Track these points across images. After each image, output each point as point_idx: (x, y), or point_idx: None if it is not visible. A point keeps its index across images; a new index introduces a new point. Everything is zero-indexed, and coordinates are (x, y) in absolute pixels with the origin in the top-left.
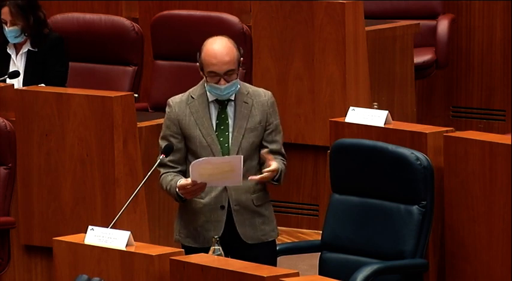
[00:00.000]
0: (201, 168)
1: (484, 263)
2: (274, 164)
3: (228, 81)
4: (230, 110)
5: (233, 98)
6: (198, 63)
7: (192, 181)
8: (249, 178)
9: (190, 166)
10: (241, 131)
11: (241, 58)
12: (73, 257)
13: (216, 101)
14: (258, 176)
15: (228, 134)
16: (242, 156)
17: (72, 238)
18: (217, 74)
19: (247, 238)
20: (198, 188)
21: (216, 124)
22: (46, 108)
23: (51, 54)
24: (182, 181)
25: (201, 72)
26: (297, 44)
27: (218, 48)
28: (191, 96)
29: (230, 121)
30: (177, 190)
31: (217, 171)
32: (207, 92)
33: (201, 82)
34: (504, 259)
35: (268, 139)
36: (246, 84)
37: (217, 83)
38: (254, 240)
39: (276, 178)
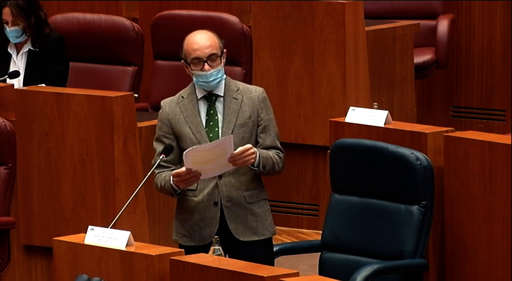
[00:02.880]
0: (195, 156)
1: (484, 263)
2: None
3: (212, 67)
4: (219, 105)
5: (222, 94)
6: (182, 60)
7: (187, 169)
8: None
9: (183, 154)
10: (230, 126)
11: (225, 50)
12: (73, 257)
13: (205, 97)
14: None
15: (218, 129)
16: (232, 135)
17: (72, 238)
18: (201, 59)
19: (239, 234)
20: (193, 176)
21: (206, 120)
22: (46, 108)
23: (52, 54)
24: (177, 169)
25: (186, 69)
26: (297, 44)
27: (198, 36)
28: (181, 96)
29: (219, 116)
30: (171, 182)
31: (210, 157)
32: (196, 90)
33: (191, 83)
34: (504, 259)
35: (262, 135)
36: (236, 81)
37: (201, 68)
38: (245, 237)
39: (256, 163)
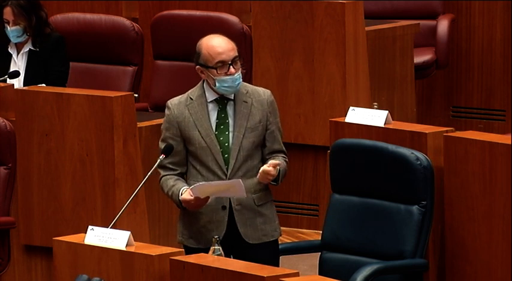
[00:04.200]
0: (202, 189)
1: (484, 263)
2: (273, 161)
3: (235, 70)
4: (230, 109)
5: (232, 97)
6: (197, 66)
7: (195, 198)
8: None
9: (190, 188)
10: (242, 130)
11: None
12: (73, 257)
13: (216, 100)
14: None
15: (228, 133)
16: (240, 179)
17: (72, 238)
18: (226, 63)
19: (249, 237)
20: (202, 202)
21: (216, 123)
22: (46, 108)
23: (53, 54)
24: (185, 195)
25: (202, 74)
26: (297, 44)
27: (218, 40)
28: (190, 97)
29: (230, 120)
30: (179, 197)
31: (218, 189)
32: (206, 92)
33: (199, 83)
34: (504, 259)
35: (270, 139)
36: (244, 83)
37: (227, 72)
38: (255, 240)
39: (275, 177)
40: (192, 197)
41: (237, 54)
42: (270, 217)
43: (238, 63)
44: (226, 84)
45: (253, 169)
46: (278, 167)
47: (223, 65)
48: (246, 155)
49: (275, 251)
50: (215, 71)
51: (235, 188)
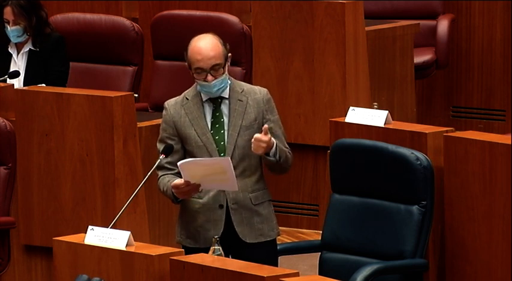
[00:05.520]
0: (191, 169)
1: (484, 263)
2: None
3: (215, 77)
4: (225, 108)
5: (227, 96)
6: (186, 63)
7: (185, 181)
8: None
9: (178, 166)
10: (236, 129)
11: (229, 54)
12: (73, 257)
13: (210, 99)
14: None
15: (224, 132)
16: (229, 158)
17: (72, 238)
18: (204, 70)
19: (245, 237)
20: (192, 188)
21: (211, 122)
22: (46, 108)
23: (53, 54)
24: (176, 181)
25: (190, 72)
26: (297, 44)
27: (203, 44)
28: (186, 97)
29: (225, 119)
30: (172, 190)
31: (208, 172)
32: (201, 92)
33: (195, 83)
34: (504, 259)
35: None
36: (241, 82)
37: (204, 79)
38: (252, 239)
39: (273, 152)
40: (182, 181)
41: (217, 62)
42: (267, 216)
43: (220, 70)
44: (204, 89)
45: (250, 167)
46: (273, 140)
47: (201, 71)
48: (241, 154)
49: (273, 251)
50: (194, 75)
51: (226, 174)
